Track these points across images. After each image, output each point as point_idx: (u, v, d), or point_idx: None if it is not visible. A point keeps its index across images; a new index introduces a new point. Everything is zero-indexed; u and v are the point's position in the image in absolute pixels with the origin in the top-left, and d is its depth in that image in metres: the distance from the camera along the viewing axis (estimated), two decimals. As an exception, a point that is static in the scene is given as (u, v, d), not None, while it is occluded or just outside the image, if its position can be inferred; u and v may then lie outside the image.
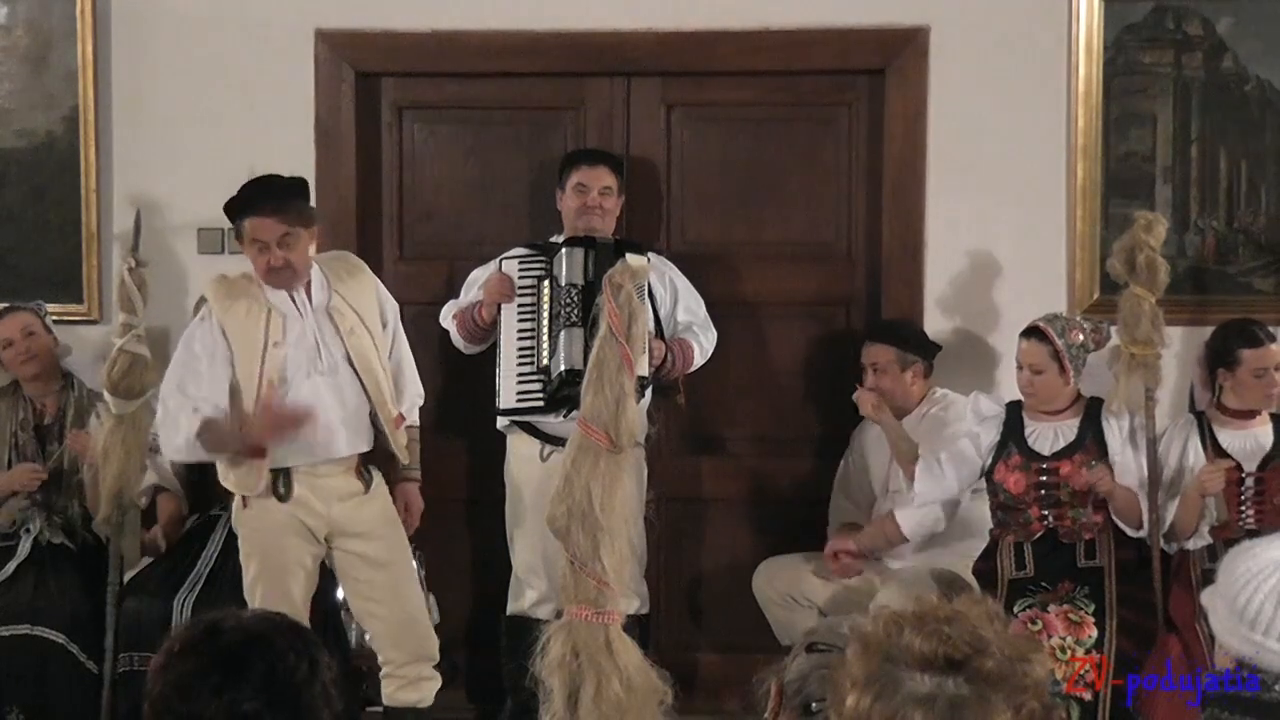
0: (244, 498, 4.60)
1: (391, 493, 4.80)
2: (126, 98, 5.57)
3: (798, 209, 5.65)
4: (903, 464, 5.08)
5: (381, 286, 4.82)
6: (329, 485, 4.61)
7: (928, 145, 5.47)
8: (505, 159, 5.68)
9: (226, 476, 4.60)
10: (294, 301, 4.57)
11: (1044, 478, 4.88)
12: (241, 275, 4.66)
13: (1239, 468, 4.86)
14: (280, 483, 4.55)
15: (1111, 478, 4.82)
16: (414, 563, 4.82)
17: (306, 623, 4.48)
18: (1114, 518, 4.87)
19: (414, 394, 4.85)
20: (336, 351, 4.57)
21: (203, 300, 4.70)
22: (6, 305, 5.26)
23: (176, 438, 4.48)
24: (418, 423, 4.91)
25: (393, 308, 4.80)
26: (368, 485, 4.68)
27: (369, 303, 4.67)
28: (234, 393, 4.50)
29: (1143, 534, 4.85)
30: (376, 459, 4.75)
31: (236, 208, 4.61)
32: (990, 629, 1.84)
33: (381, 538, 4.70)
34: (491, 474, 5.29)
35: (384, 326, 4.72)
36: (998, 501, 4.98)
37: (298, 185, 4.67)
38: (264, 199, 4.57)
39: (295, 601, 4.57)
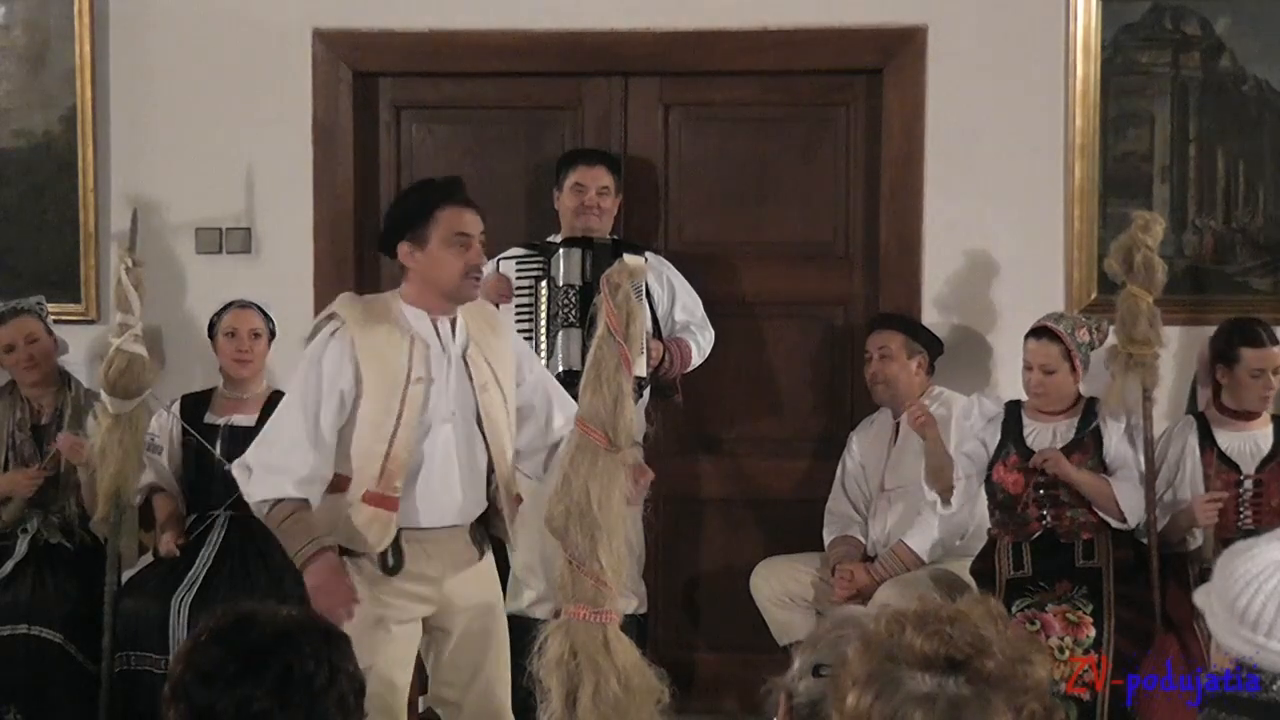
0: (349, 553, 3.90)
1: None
2: (124, 97, 5.57)
3: (795, 208, 5.65)
4: (934, 481, 4.98)
5: (524, 346, 4.28)
6: (444, 551, 3.96)
7: (925, 145, 5.47)
8: (503, 158, 5.68)
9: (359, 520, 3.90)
10: (438, 334, 3.95)
11: (1042, 477, 4.88)
12: (374, 297, 4.05)
13: (1237, 469, 4.87)
14: (389, 552, 3.87)
15: (1062, 459, 4.82)
16: (508, 654, 4.16)
17: (407, 682, 4.05)
18: (1094, 510, 4.87)
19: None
20: (469, 403, 3.94)
21: (329, 318, 3.94)
22: (8, 307, 5.25)
23: (272, 482, 3.81)
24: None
25: (535, 365, 4.23)
26: (481, 552, 4.06)
27: (506, 361, 4.04)
28: (346, 431, 3.86)
29: (1126, 526, 4.85)
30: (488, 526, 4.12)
31: (437, 196, 3.93)
32: (992, 629, 1.84)
33: (481, 610, 4.08)
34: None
35: (519, 385, 4.08)
36: (996, 501, 4.98)
37: None
38: (464, 192, 3.98)
39: (383, 662, 3.90)
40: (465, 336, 3.99)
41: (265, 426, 3.98)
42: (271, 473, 3.83)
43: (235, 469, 3.95)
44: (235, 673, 2.11)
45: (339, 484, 3.88)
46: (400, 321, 3.91)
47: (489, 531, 4.10)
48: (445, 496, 3.94)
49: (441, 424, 3.91)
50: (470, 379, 3.95)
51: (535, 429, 4.16)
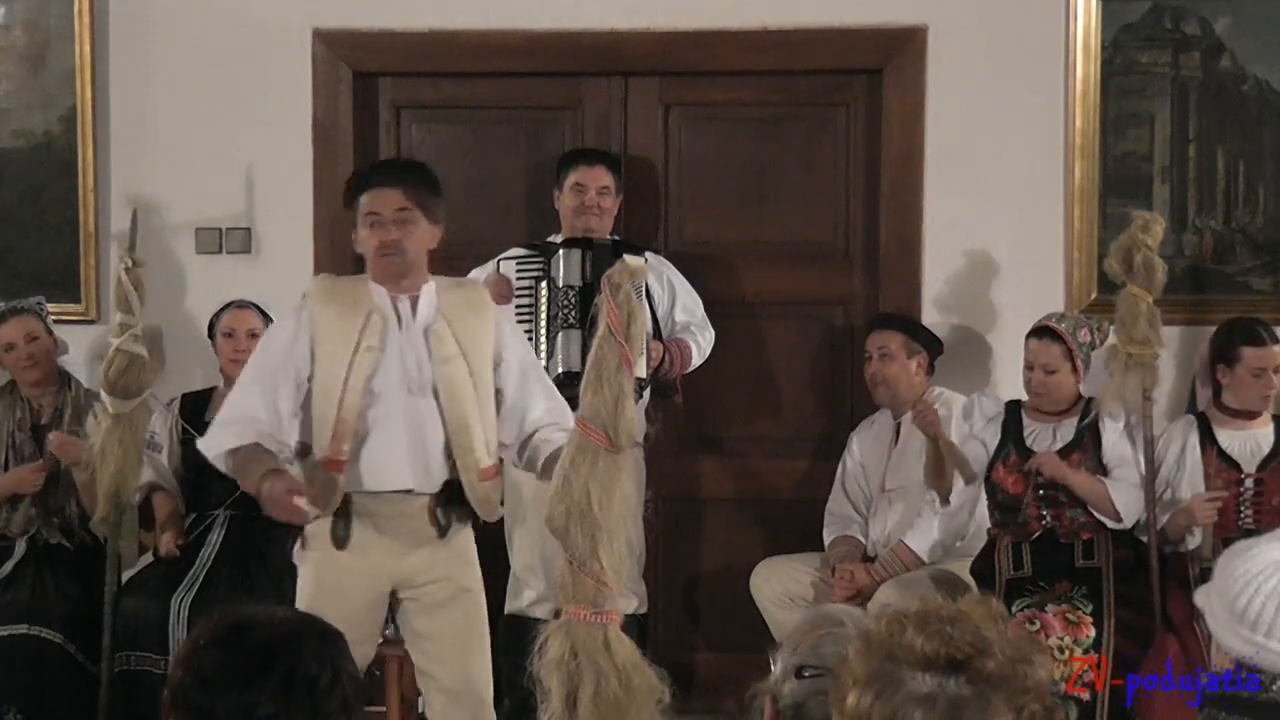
0: (303, 540, 4.11)
1: None
2: (124, 97, 5.57)
3: (795, 209, 5.65)
4: (935, 481, 4.95)
5: (508, 327, 4.30)
6: (396, 529, 4.07)
7: (925, 145, 5.47)
8: (503, 159, 5.68)
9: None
10: (396, 309, 4.08)
11: (1041, 477, 4.88)
12: (351, 277, 4.28)
13: (1237, 468, 4.88)
14: (338, 525, 4.03)
15: (1054, 462, 4.82)
16: (486, 630, 4.25)
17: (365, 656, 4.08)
18: (1090, 510, 4.87)
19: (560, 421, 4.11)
20: (425, 376, 4.05)
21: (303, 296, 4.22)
22: (8, 306, 5.25)
23: (226, 434, 4.04)
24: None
25: (519, 350, 4.24)
26: (443, 531, 4.10)
27: (481, 338, 4.12)
28: (308, 401, 4.04)
29: (1122, 525, 4.85)
30: (457, 504, 4.15)
31: (356, 183, 4.18)
32: (993, 630, 1.84)
33: (452, 586, 4.15)
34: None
35: (496, 366, 4.14)
36: (996, 502, 4.98)
37: (426, 171, 4.28)
38: (386, 171, 4.23)
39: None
40: (433, 313, 4.09)
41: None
42: (219, 428, 4.07)
43: (199, 443, 4.17)
44: (238, 678, 2.09)
45: (304, 451, 4.07)
46: (362, 296, 4.07)
47: (469, 511, 4.13)
48: (387, 461, 4.03)
49: (392, 393, 4.02)
50: (430, 352, 4.04)
51: (510, 419, 4.18)
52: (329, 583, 4.06)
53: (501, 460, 4.26)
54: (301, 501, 3.84)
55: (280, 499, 3.87)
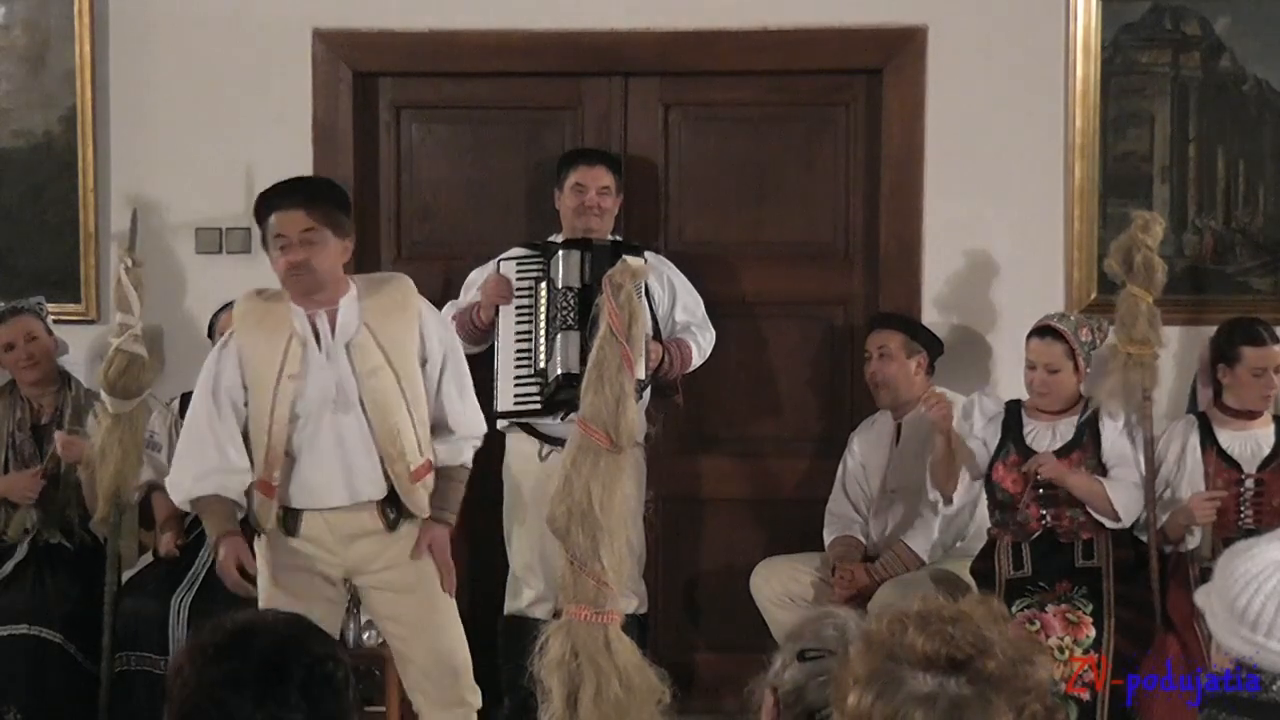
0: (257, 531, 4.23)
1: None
2: (124, 98, 5.57)
3: (796, 208, 5.65)
4: (940, 481, 4.98)
5: (433, 320, 4.29)
6: (343, 523, 4.18)
7: (925, 145, 5.47)
8: (503, 159, 5.68)
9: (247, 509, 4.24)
10: (315, 329, 4.12)
11: (1041, 477, 4.88)
12: (274, 293, 4.22)
13: (1238, 468, 4.88)
14: (287, 518, 4.16)
15: (1052, 463, 4.82)
16: (452, 600, 4.32)
17: None
18: (1089, 510, 4.87)
19: (468, 434, 4.30)
20: (352, 391, 4.10)
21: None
22: (8, 306, 5.25)
23: (185, 481, 4.18)
24: (469, 465, 4.36)
25: (441, 344, 4.26)
26: (391, 526, 4.19)
27: (406, 340, 4.17)
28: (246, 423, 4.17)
29: (1121, 525, 4.85)
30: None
31: (262, 205, 4.17)
32: (994, 630, 1.84)
33: (409, 567, 4.22)
34: (489, 473, 5.29)
35: (424, 364, 4.21)
36: (995, 501, 4.98)
37: (333, 188, 4.31)
38: (291, 193, 4.17)
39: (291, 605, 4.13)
40: (356, 325, 4.13)
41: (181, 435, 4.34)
42: (179, 471, 4.22)
43: (166, 483, 4.34)
44: (258, 688, 2.05)
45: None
46: (284, 320, 4.12)
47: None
48: (319, 481, 4.13)
49: (319, 414, 4.10)
50: (354, 367, 4.10)
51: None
52: (284, 562, 4.20)
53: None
54: (249, 568, 4.08)
55: (226, 570, 4.08)
